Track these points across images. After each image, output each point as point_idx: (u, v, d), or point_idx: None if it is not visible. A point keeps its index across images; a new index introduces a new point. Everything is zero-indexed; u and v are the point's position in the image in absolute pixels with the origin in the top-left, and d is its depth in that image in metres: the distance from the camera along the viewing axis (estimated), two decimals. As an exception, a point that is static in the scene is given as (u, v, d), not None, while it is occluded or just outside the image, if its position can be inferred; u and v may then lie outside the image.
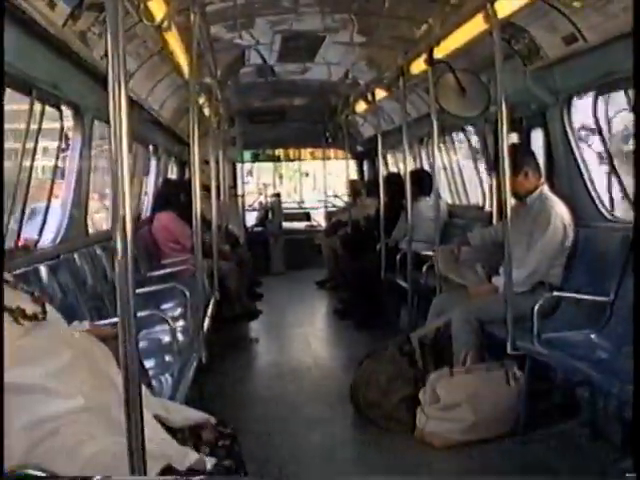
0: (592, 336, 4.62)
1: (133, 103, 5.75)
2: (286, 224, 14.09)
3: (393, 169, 11.79)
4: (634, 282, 2.28)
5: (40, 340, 2.19)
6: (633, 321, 2.54)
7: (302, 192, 17.66)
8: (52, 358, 2.17)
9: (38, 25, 3.77)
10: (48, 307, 2.36)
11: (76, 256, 5.36)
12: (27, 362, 2.11)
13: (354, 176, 13.69)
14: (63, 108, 5.36)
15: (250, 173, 15.12)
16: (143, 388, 2.12)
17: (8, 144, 4.99)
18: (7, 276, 2.37)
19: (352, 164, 13.79)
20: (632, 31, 2.33)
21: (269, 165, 17.00)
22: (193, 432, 2.49)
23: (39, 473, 1.88)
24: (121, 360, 1.88)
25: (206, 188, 8.57)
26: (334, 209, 14.13)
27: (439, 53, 5.97)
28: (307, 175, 16.97)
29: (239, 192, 14.11)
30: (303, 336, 8.52)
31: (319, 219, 14.85)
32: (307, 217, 15.50)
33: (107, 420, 2.12)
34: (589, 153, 5.85)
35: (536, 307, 4.69)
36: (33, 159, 4.93)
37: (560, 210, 5.31)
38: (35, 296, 2.36)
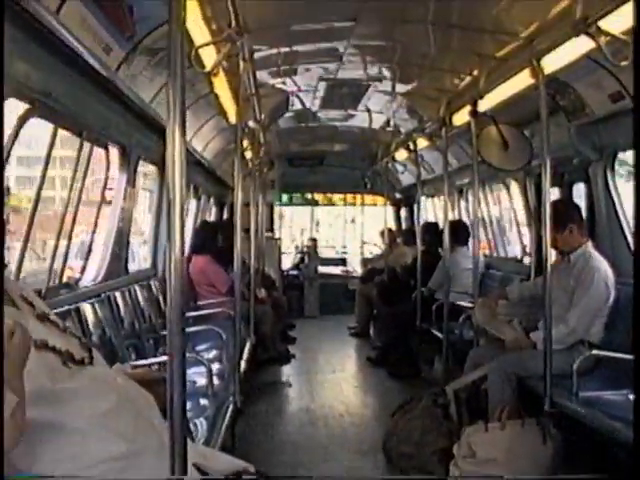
0: (631, 397, 4.55)
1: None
2: (321, 268, 14.10)
3: (431, 217, 11.79)
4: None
5: (85, 383, 2.20)
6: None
7: (345, 239, 17.54)
8: (96, 402, 2.18)
9: (92, 69, 3.86)
10: (94, 352, 2.38)
11: (117, 294, 5.41)
12: (71, 404, 2.12)
13: (391, 223, 13.70)
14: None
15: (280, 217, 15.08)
16: (185, 434, 2.12)
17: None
18: (54, 318, 2.39)
19: (389, 211, 13.80)
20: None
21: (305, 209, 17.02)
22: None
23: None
24: (168, 402, 1.89)
25: (245, 230, 8.64)
26: (370, 256, 14.13)
27: (483, 105, 6.01)
28: (353, 222, 16.81)
29: (276, 235, 14.18)
30: (335, 382, 8.48)
31: (355, 264, 14.84)
32: (343, 262, 15.53)
33: (151, 467, 2.11)
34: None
35: (575, 365, 4.65)
36: (79, 199, 5.00)
37: (604, 269, 5.26)
38: (82, 341, 2.38)
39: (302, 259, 14.09)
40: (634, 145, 2.53)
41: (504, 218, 9.01)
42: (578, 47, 4.18)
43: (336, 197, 15.46)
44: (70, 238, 4.85)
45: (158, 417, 2.30)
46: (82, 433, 2.08)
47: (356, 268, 14.49)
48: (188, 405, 4.33)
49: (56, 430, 2.03)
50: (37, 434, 2.01)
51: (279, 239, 14.20)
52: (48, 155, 4.28)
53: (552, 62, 4.66)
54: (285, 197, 14.73)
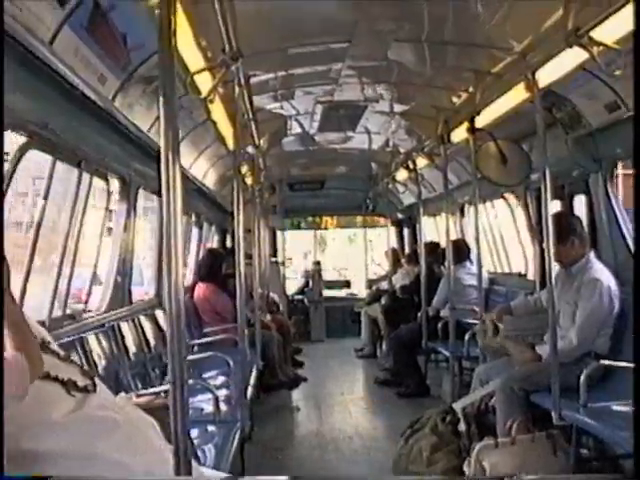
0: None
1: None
2: (326, 292, 14.09)
3: (433, 236, 11.78)
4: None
5: (92, 412, 2.21)
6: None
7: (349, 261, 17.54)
8: (104, 431, 2.18)
9: (88, 99, 3.87)
10: (97, 381, 2.38)
11: (121, 324, 5.40)
12: (81, 434, 2.12)
13: (394, 243, 13.68)
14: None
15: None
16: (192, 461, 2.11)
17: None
18: (56, 348, 2.40)
19: (392, 231, 13.79)
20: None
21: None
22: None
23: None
24: (172, 428, 1.88)
25: (248, 256, 8.64)
26: (375, 277, 14.12)
27: (480, 122, 6.02)
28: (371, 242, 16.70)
29: (279, 260, 14.17)
30: (344, 404, 8.43)
31: (359, 286, 14.82)
32: (347, 285, 15.51)
33: None
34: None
35: (582, 377, 4.62)
36: (80, 229, 5.01)
37: (605, 278, 5.25)
38: (84, 369, 2.38)
39: (307, 283, 14.07)
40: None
41: (506, 234, 8.99)
42: (572, 59, 4.18)
43: (339, 220, 15.47)
44: (73, 269, 4.86)
45: (164, 443, 2.30)
46: (89, 461, 2.09)
47: (361, 290, 14.47)
48: (195, 432, 4.34)
49: (63, 459, 2.04)
50: (45, 464, 2.02)
51: (283, 264, 14.20)
52: (48, 188, 4.28)
53: (547, 75, 4.67)
54: (288, 222, 14.70)
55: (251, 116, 6.11)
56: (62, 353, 2.38)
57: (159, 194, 2.17)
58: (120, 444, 2.19)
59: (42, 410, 2.07)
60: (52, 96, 3.70)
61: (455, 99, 6.70)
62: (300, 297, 13.95)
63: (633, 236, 5.49)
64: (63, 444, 2.04)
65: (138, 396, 3.09)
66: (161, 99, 2.24)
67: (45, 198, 4.25)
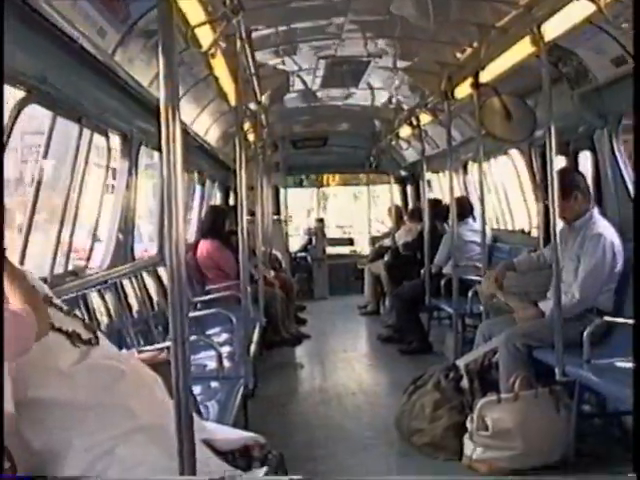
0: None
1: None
2: (330, 249, 14.09)
3: (438, 193, 11.75)
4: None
5: (97, 362, 2.23)
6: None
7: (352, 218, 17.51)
8: (109, 380, 2.20)
9: (88, 53, 3.82)
10: (100, 335, 2.40)
11: (124, 281, 5.40)
12: (86, 383, 2.14)
13: (397, 201, 13.65)
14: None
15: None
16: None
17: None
18: (59, 302, 2.41)
19: (395, 189, 13.76)
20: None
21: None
22: (243, 453, 2.48)
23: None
24: (173, 384, 1.88)
25: (251, 213, 8.63)
26: (378, 234, 14.10)
27: (484, 77, 5.96)
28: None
29: (282, 217, 14.16)
30: (347, 361, 8.47)
31: (363, 244, 14.83)
32: (350, 242, 15.51)
33: (161, 442, 2.13)
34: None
35: (586, 333, 4.62)
36: (81, 186, 4.98)
37: (609, 234, 5.22)
38: (87, 323, 2.39)
39: (310, 241, 14.06)
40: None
41: (510, 190, 8.95)
42: (578, 11, 4.12)
43: (342, 177, 15.42)
44: (74, 225, 4.84)
45: (166, 396, 2.32)
46: (95, 410, 2.12)
47: (365, 247, 14.47)
48: (198, 389, 4.36)
49: (70, 408, 2.08)
50: (51, 412, 2.06)
51: (285, 221, 14.18)
52: (47, 143, 4.25)
53: (553, 29, 4.60)
54: (290, 180, 14.65)
55: (253, 72, 6.06)
56: (65, 307, 2.39)
57: (159, 150, 2.14)
58: (125, 392, 2.21)
59: (48, 359, 2.10)
60: (51, 50, 3.64)
61: (459, 54, 6.62)
62: (303, 255, 13.95)
63: (633, 192, 5.46)
64: (69, 393, 2.08)
65: (140, 352, 3.10)
66: (160, 53, 2.21)
67: (45, 155, 4.21)
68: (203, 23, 4.03)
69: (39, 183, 4.15)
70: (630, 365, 4.50)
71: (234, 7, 3.87)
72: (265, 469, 2.37)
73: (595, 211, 5.41)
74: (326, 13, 5.90)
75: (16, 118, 3.61)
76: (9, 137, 3.56)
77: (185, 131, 6.97)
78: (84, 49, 3.72)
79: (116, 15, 3.91)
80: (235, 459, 2.45)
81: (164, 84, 2.14)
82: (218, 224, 8.57)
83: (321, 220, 14.46)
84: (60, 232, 4.64)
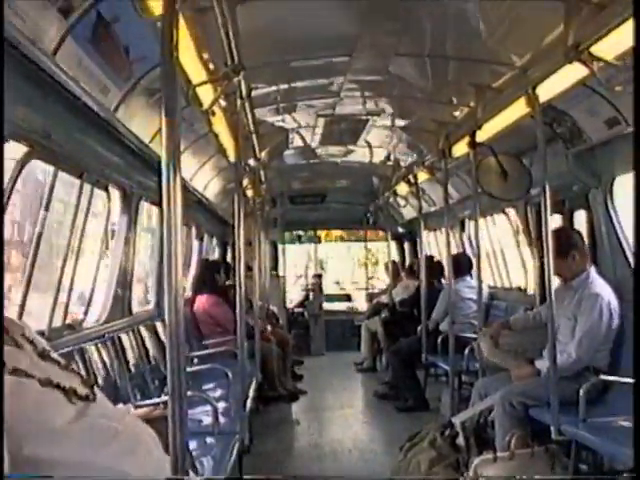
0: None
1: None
2: (327, 305, 14.09)
3: (434, 250, 11.80)
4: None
5: (93, 421, 2.22)
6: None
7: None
8: (104, 440, 2.19)
9: (90, 110, 3.89)
10: (96, 390, 2.39)
11: (121, 335, 5.40)
12: (84, 442, 2.13)
13: (394, 257, 13.69)
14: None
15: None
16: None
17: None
18: (56, 356, 2.41)
19: (393, 245, 13.81)
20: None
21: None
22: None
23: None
24: (170, 440, 1.89)
25: (249, 269, 8.65)
26: (375, 290, 14.12)
27: (481, 136, 6.04)
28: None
29: (280, 273, 14.18)
30: (343, 418, 8.43)
31: (360, 300, 14.83)
32: (348, 298, 15.52)
33: None
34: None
35: (582, 392, 4.61)
36: (81, 242, 5.02)
37: (606, 294, 5.25)
38: (84, 378, 2.39)
39: (307, 296, 14.07)
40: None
41: (507, 248, 9.00)
42: (572, 74, 4.20)
43: (340, 233, 15.48)
44: (73, 279, 4.87)
45: (162, 454, 2.31)
46: (89, 471, 2.10)
47: (362, 304, 14.47)
48: (194, 444, 4.34)
49: (64, 468, 2.05)
50: (46, 473, 2.03)
51: (283, 277, 14.19)
52: (49, 199, 4.29)
53: (547, 90, 4.68)
54: (288, 236, 14.70)
55: (252, 129, 6.13)
56: (62, 361, 2.39)
57: (160, 205, 2.18)
58: (120, 453, 2.20)
59: (44, 416, 2.08)
60: (54, 106, 3.71)
61: (456, 113, 6.72)
62: (300, 310, 13.94)
63: (633, 251, 5.50)
64: (66, 452, 2.05)
65: (137, 407, 3.09)
66: (163, 111, 2.26)
67: (46, 209, 4.26)
68: (204, 82, 4.11)
69: (40, 235, 4.18)
70: (626, 424, 4.51)
71: (235, 67, 3.95)
72: None
73: (592, 270, 5.45)
74: (326, 73, 6.00)
75: (19, 172, 3.66)
76: (11, 191, 3.61)
77: (184, 186, 7.01)
78: (87, 106, 3.79)
79: (119, 73, 3.99)
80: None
81: (166, 141, 2.19)
82: (208, 277, 8.59)
83: (319, 276, 14.49)
84: (59, 284, 4.66)
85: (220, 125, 5.61)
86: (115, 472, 2.14)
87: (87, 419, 2.19)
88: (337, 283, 17.88)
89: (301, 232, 15.09)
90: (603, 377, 4.92)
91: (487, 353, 6.06)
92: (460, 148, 6.65)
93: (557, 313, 4.90)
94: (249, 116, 5.66)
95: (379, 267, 15.88)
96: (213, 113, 5.12)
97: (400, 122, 7.82)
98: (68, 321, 4.92)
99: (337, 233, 15.48)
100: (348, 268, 19.41)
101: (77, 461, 2.09)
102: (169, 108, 2.22)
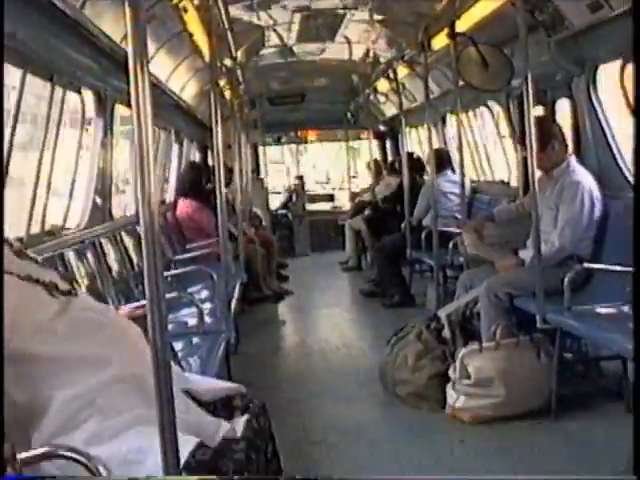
0: (624, 308, 4.52)
1: (154, 86, 5.75)
2: (310, 206, 14.08)
3: (416, 147, 11.73)
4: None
5: (77, 314, 2.21)
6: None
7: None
8: (89, 331, 2.19)
9: (56, 8, 3.74)
10: (76, 285, 2.37)
11: (102, 241, 5.36)
12: (68, 336, 2.13)
13: (377, 155, 13.63)
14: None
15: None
16: (173, 365, 2.11)
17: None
18: (31, 254, 2.39)
19: (375, 144, 13.73)
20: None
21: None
22: (224, 403, 2.49)
23: (69, 454, 1.86)
24: (150, 338, 1.87)
25: (230, 171, 8.58)
26: (357, 190, 14.08)
27: (461, 27, 5.92)
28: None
29: (262, 175, 14.11)
30: (330, 316, 8.50)
31: (344, 199, 14.82)
32: (331, 198, 15.50)
33: (141, 392, 2.12)
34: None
35: (566, 280, 4.63)
36: (55, 146, 4.92)
37: (587, 182, 5.23)
38: (63, 274, 2.37)
39: (290, 197, 14.04)
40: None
41: (489, 141, 8.94)
42: (554, -44, 4.08)
43: (321, 133, 15.31)
44: (50, 184, 4.79)
45: (147, 347, 2.31)
46: (76, 362, 2.11)
47: (345, 203, 14.45)
48: (180, 344, 4.35)
49: (52, 362, 2.07)
50: (35, 366, 2.05)
51: (265, 179, 14.13)
52: (18, 103, 4.17)
53: (528, -25, 4.56)
54: (269, 137, 14.57)
55: (227, 26, 5.97)
56: (39, 259, 2.36)
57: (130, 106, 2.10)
58: (105, 342, 2.20)
59: (28, 310, 2.08)
60: (19, 5, 3.56)
61: (435, 5, 6.55)
62: (284, 212, 13.93)
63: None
64: (50, 346, 2.07)
65: (118, 309, 3.09)
66: (126, 4, 2.14)
67: (16, 115, 4.14)
68: (174, -26, 3.96)
69: (10, 144, 4.08)
70: (611, 311, 4.55)
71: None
72: (246, 417, 2.37)
73: (572, 159, 5.41)
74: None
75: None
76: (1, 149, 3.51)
77: (159, 88, 6.88)
78: (52, 3, 3.64)
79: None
80: (217, 409, 2.45)
81: (131, 35, 2.08)
82: (196, 181, 8.50)
83: (301, 177, 14.44)
84: (35, 191, 4.59)
85: (193, 23, 5.47)
86: (102, 361, 2.14)
87: (70, 313, 2.18)
88: (319, 183, 17.83)
89: (282, 134, 14.90)
90: (586, 265, 4.94)
91: (471, 247, 6.07)
92: (440, 41, 6.53)
93: (540, 203, 4.87)
94: (223, 13, 5.49)
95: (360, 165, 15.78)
96: (185, 10, 4.98)
97: (378, 16, 7.65)
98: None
99: (318, 133, 15.28)
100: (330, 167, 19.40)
101: (64, 354, 2.09)
102: (133, 1, 2.10)
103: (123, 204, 7.52)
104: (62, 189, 5.51)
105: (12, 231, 4.10)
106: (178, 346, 4.23)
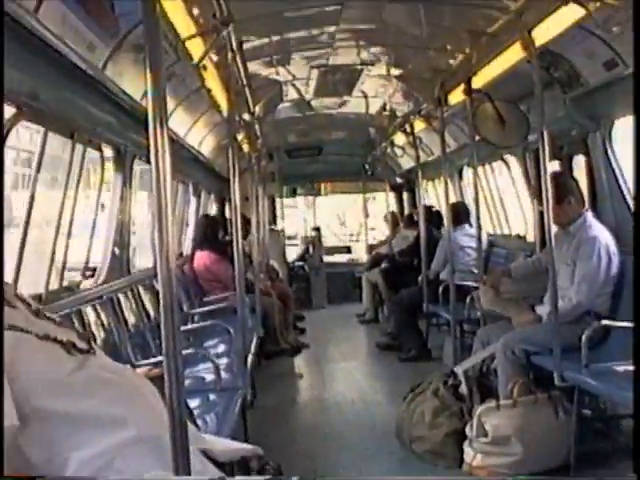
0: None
1: (172, 141, 5.82)
2: (327, 258, 14.09)
3: (433, 200, 11.76)
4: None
5: (95, 372, 2.21)
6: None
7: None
8: (106, 389, 2.19)
9: (78, 68, 3.81)
10: (93, 344, 2.38)
11: (119, 296, 5.38)
12: (84, 392, 2.13)
13: (393, 208, 13.67)
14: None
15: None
16: (189, 424, 2.11)
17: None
18: (49, 314, 2.40)
19: (391, 196, 13.79)
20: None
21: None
22: (241, 465, 2.47)
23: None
24: (167, 398, 1.87)
25: (247, 223, 8.62)
26: (374, 242, 14.10)
27: (477, 83, 5.98)
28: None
29: (279, 227, 14.16)
30: (347, 370, 8.45)
31: (361, 252, 14.83)
32: (348, 250, 15.51)
33: (158, 452, 2.11)
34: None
35: (583, 337, 4.60)
36: (75, 202, 4.97)
37: (604, 237, 5.22)
38: (81, 333, 2.38)
39: (307, 249, 14.06)
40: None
41: (506, 195, 8.95)
42: (568, 16, 4.13)
43: (338, 185, 15.37)
44: (68, 241, 4.83)
45: (164, 407, 2.31)
46: (93, 421, 2.10)
47: (362, 255, 14.46)
48: (197, 401, 4.35)
49: (70, 419, 2.06)
50: (51, 423, 2.04)
51: (282, 231, 14.17)
52: (40, 159, 4.23)
53: (543, 33, 4.61)
54: (285, 189, 14.64)
55: (245, 82, 6.05)
56: (57, 319, 2.38)
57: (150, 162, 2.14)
58: (121, 402, 2.19)
59: (45, 368, 2.08)
60: (41, 66, 3.63)
61: (451, 61, 6.63)
62: (301, 264, 13.94)
63: (633, 196, 5.45)
64: (67, 403, 2.06)
65: (135, 367, 3.09)
66: (147, 66, 2.20)
67: (37, 170, 4.20)
68: (193, 36, 4.04)
69: (32, 197, 4.13)
70: (629, 368, 4.50)
71: (224, 19, 3.88)
72: (263, 479, 2.36)
73: (589, 214, 5.41)
74: (318, 22, 5.91)
75: (7, 135, 3.60)
76: (1, 153, 3.55)
77: (178, 143, 6.96)
78: (74, 64, 3.71)
79: (105, 29, 3.90)
80: (233, 471, 2.44)
81: (151, 96, 2.13)
82: (210, 233, 8.54)
83: (317, 229, 14.47)
84: (54, 247, 4.63)
85: (212, 80, 5.54)
86: (119, 421, 2.13)
87: (87, 370, 2.19)
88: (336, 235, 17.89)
89: (298, 186, 14.96)
90: (604, 322, 4.90)
91: (488, 302, 6.05)
92: (456, 96, 6.59)
93: (556, 259, 4.87)
94: (241, 69, 5.59)
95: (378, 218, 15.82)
96: (204, 68, 5.05)
97: (395, 71, 7.74)
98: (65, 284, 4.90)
99: (335, 185, 15.32)
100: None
101: (82, 412, 2.09)
102: (153, 60, 2.15)
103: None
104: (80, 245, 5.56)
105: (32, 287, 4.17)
106: (195, 403, 4.22)
